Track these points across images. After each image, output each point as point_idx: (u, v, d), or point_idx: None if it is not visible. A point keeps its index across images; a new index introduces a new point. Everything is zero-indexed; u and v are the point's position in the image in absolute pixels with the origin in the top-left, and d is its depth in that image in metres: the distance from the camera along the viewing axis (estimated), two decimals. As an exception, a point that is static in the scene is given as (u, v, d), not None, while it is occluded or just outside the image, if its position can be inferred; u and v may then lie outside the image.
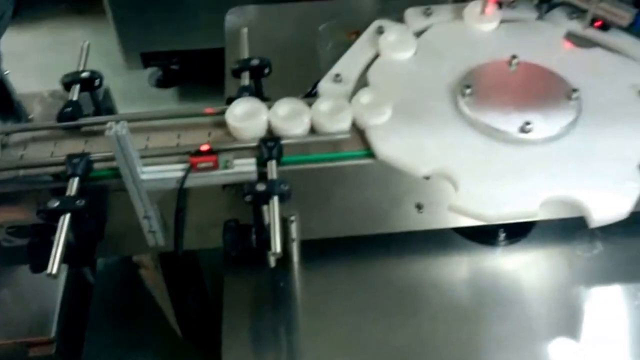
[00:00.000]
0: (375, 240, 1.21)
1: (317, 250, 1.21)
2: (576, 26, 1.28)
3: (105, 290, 1.94)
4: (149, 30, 2.45)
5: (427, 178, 1.05)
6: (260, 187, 0.98)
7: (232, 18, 1.72)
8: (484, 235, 1.24)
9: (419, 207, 1.13)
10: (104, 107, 1.27)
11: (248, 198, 0.99)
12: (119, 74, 2.65)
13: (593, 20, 1.26)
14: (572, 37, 1.28)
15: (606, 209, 0.99)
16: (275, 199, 0.98)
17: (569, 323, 1.14)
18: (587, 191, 1.00)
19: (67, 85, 1.18)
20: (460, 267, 1.24)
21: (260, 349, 1.13)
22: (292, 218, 1.12)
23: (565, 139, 1.07)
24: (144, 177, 1.01)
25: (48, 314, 1.36)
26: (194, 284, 1.76)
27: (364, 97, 1.11)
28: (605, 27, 1.26)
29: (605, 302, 1.17)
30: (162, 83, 2.73)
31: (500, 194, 1.00)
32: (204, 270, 1.81)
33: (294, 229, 1.14)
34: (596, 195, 1.00)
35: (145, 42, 2.48)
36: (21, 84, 1.32)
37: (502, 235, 1.24)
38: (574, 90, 1.10)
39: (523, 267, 1.22)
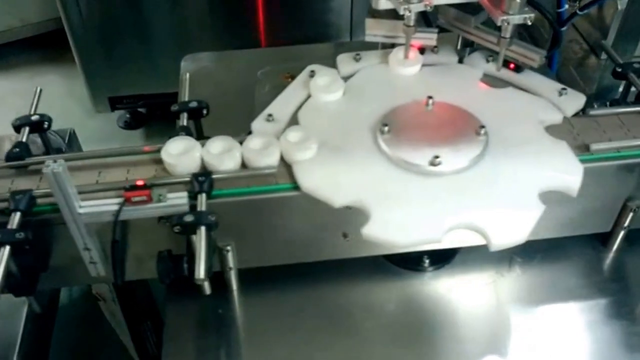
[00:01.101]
0: (311, 268, 1.28)
1: (256, 278, 1.29)
2: (493, 68, 1.38)
3: (68, 323, 1.99)
4: (115, 76, 2.55)
5: (349, 208, 1.14)
6: (189, 218, 1.07)
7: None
8: (411, 262, 1.33)
9: (345, 235, 1.22)
10: (57, 147, 1.36)
11: (177, 229, 1.07)
12: (91, 117, 2.75)
13: (507, 63, 1.36)
14: (489, 78, 1.38)
15: (505, 235, 1.07)
16: (203, 229, 1.06)
17: (492, 342, 1.22)
18: (488, 218, 1.08)
19: (17, 128, 1.26)
20: (390, 292, 1.32)
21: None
22: (228, 248, 1.21)
23: (473, 171, 1.16)
24: (81, 210, 1.09)
25: (9, 350, 1.40)
26: (150, 315, 1.82)
27: (292, 134, 1.20)
28: (518, 68, 1.36)
29: (527, 322, 1.25)
30: (129, 125, 2.83)
31: (408, 222, 1.09)
32: (160, 303, 1.86)
33: (230, 258, 1.22)
34: (496, 222, 1.08)
35: (111, 87, 2.58)
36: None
37: (427, 262, 1.32)
38: (482, 126, 1.20)
39: (448, 291, 1.30)
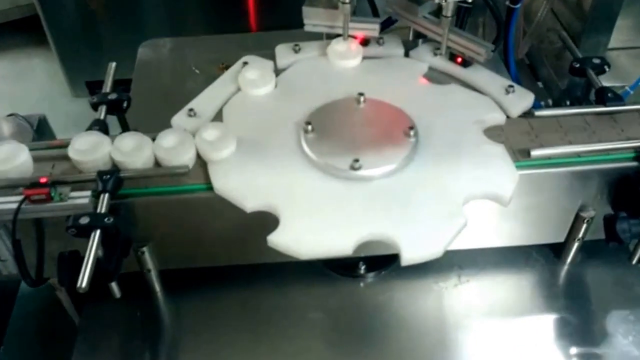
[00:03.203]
0: (244, 271, 1.23)
1: (183, 280, 1.23)
2: (439, 62, 1.29)
3: (30, 312, 1.96)
4: (92, 60, 2.50)
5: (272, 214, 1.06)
6: (84, 220, 1.00)
7: (144, 50, 1.75)
8: (348, 268, 1.25)
9: (272, 240, 1.14)
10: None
11: (72, 231, 1.00)
12: (72, 101, 2.69)
13: (455, 56, 1.27)
14: (434, 72, 1.29)
15: (418, 249, 0.98)
16: (97, 232, 0.99)
17: (428, 355, 1.15)
18: (402, 230, 0.99)
19: None
20: (324, 299, 1.24)
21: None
22: (144, 249, 1.14)
23: (397, 176, 1.07)
24: (-19, 208, 1.03)
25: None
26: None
27: (208, 132, 1.12)
28: (466, 63, 1.26)
29: (465, 336, 1.17)
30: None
31: (317, 232, 1.00)
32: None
33: (147, 260, 1.16)
34: (410, 235, 0.98)
35: (89, 71, 2.52)
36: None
37: (362, 268, 1.24)
38: (411, 127, 1.11)
39: (386, 298, 1.23)
